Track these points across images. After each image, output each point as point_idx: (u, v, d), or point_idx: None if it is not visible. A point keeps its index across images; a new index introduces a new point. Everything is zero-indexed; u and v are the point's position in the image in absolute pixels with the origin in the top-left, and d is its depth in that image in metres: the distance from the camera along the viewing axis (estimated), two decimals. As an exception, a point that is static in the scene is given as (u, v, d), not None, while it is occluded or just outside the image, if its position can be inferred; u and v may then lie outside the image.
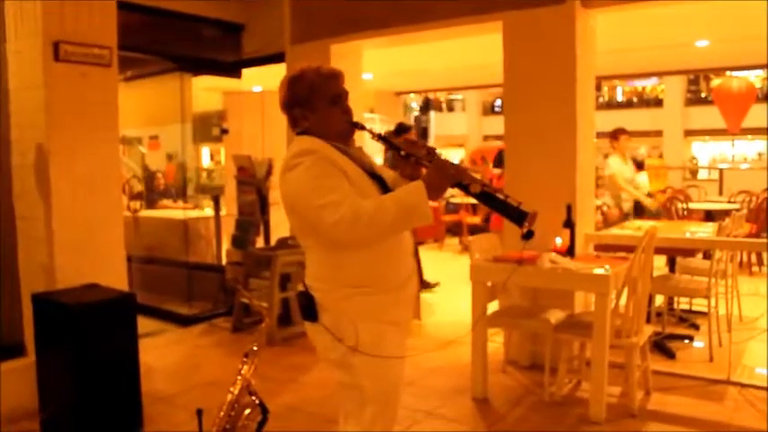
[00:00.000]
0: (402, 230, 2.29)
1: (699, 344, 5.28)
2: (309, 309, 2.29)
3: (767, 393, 4.16)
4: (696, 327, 5.63)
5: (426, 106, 24.82)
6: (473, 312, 4.31)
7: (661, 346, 5.03)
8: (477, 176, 2.27)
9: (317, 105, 2.33)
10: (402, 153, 2.35)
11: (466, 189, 2.20)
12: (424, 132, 14.04)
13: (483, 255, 4.48)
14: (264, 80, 8.03)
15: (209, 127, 8.98)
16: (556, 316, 4.31)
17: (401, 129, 7.24)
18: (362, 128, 2.43)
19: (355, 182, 2.23)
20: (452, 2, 5.08)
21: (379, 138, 2.40)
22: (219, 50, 6.99)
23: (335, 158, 2.23)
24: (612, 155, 7.36)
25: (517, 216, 2.16)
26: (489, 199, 2.21)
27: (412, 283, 2.40)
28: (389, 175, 2.45)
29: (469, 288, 4.28)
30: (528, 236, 2.15)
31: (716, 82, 12.96)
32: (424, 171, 2.33)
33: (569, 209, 4.34)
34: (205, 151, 11.82)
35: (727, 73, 11.86)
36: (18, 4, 4.20)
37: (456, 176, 2.19)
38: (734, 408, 4.05)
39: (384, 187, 2.33)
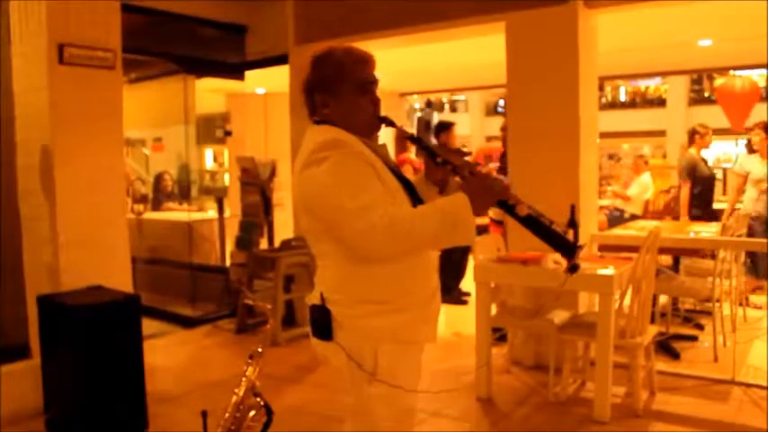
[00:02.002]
0: (440, 247, 2.06)
1: (703, 344, 5.28)
2: (324, 326, 2.02)
3: (772, 393, 4.16)
4: (700, 327, 5.63)
5: (429, 107, 24.83)
6: (477, 313, 4.31)
7: (665, 347, 5.02)
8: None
9: (342, 91, 2.05)
10: (438, 159, 2.10)
11: (510, 210, 1.98)
12: (427, 126, 14.05)
13: (487, 255, 4.48)
14: (268, 82, 8.04)
15: (212, 129, 8.99)
16: (560, 316, 4.32)
17: (442, 126, 7.20)
18: (392, 124, 2.14)
19: (386, 184, 1.99)
20: (456, 3, 5.09)
21: (412, 139, 2.18)
22: (223, 52, 6.99)
23: (366, 155, 1.98)
24: (755, 153, 6.78)
25: (565, 247, 1.97)
26: (535, 224, 1.99)
27: (436, 301, 2.18)
28: (412, 178, 2.21)
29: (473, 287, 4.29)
30: (574, 269, 1.99)
31: (719, 81, 12.91)
32: (453, 179, 2.14)
33: (573, 209, 4.33)
34: (208, 153, 11.83)
35: (731, 72, 11.83)
36: (23, 5, 4.22)
37: (501, 193, 1.98)
38: (738, 408, 4.05)
39: (412, 192, 2.10)
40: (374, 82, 2.10)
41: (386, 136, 2.18)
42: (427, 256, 2.12)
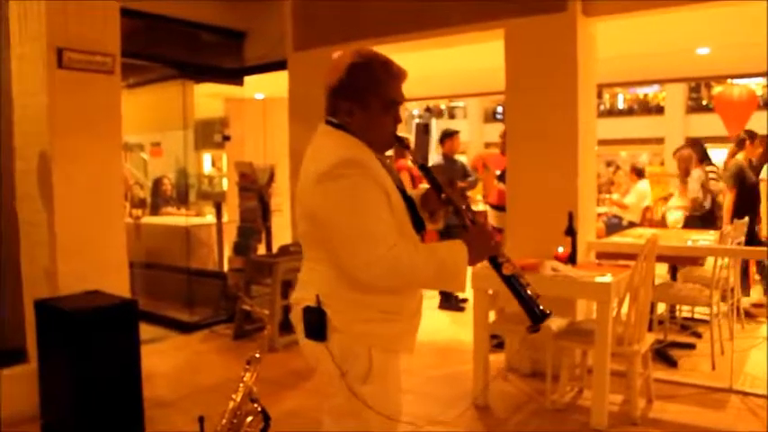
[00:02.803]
0: (429, 289, 2.15)
1: (701, 352, 5.27)
2: (319, 327, 2.05)
3: (769, 401, 4.16)
4: (698, 335, 5.62)
5: (428, 112, 24.91)
6: (474, 319, 4.31)
7: (663, 354, 5.02)
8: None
9: (369, 106, 2.06)
10: (443, 196, 2.15)
11: (498, 267, 2.07)
12: (425, 130, 14.25)
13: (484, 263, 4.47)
14: (266, 87, 8.05)
15: (211, 134, 9.00)
16: (557, 323, 4.31)
17: (446, 134, 7.26)
18: (407, 147, 2.22)
19: (395, 207, 2.03)
20: (454, 10, 5.10)
21: (422, 168, 2.20)
22: (221, 57, 7.01)
23: (381, 176, 2.01)
24: None
25: (536, 314, 2.07)
26: (514, 286, 2.08)
27: (419, 314, 2.25)
28: (411, 192, 2.24)
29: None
30: (535, 330, 2.11)
31: (717, 89, 12.97)
32: (439, 210, 2.25)
33: (571, 216, 4.35)
34: (206, 158, 11.84)
35: (729, 80, 11.88)
36: (22, 9, 4.22)
37: (495, 249, 2.07)
38: (736, 416, 4.04)
39: (414, 210, 2.14)
40: (402, 101, 2.12)
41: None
42: None
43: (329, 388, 2.13)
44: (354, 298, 2.04)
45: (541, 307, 2.07)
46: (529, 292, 2.07)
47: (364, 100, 2.05)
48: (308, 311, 2.08)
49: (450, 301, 7.06)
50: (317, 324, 2.05)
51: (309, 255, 2.15)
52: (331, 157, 1.97)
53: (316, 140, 2.10)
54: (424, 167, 2.21)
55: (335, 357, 2.04)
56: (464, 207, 2.14)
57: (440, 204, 2.20)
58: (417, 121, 19.93)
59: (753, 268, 7.22)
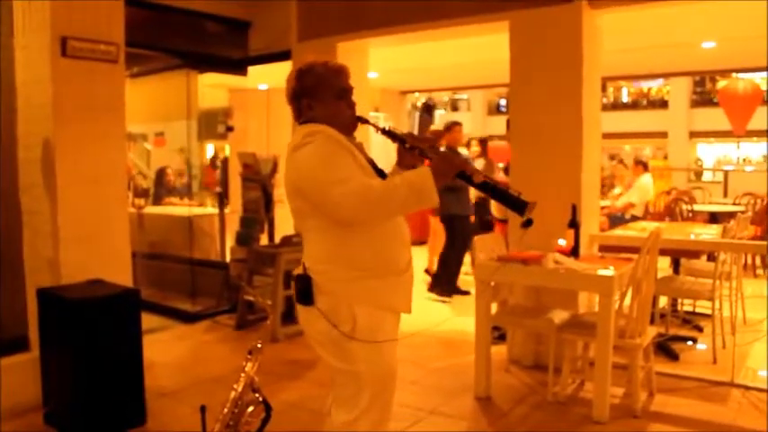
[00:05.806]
0: (408, 212, 2.34)
1: (702, 346, 5.27)
2: (306, 292, 2.31)
3: (771, 396, 4.16)
4: (700, 329, 5.62)
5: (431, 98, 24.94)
6: (477, 311, 4.31)
7: (665, 348, 5.02)
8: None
9: (323, 98, 2.40)
10: (407, 145, 2.42)
11: (469, 180, 2.29)
12: (428, 109, 14.62)
13: (487, 254, 4.48)
14: (270, 78, 8.03)
15: (214, 124, 8.98)
16: (560, 316, 4.32)
17: (449, 125, 7.41)
18: (366, 121, 2.51)
19: (363, 168, 2.32)
20: (459, 1, 5.08)
21: (383, 131, 2.46)
22: (226, 47, 6.99)
23: (343, 141, 2.32)
24: None
25: (518, 205, 2.28)
26: (491, 189, 2.33)
27: (410, 273, 2.45)
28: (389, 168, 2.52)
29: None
30: (527, 224, 2.29)
31: (722, 83, 12.91)
32: (425, 163, 2.43)
33: (574, 209, 4.34)
34: (210, 148, 11.81)
35: (733, 75, 11.83)
36: (26, 2, 4.21)
37: (460, 166, 2.29)
38: (737, 410, 4.04)
39: (384, 177, 2.40)
40: (349, 89, 2.46)
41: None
42: (401, 232, 2.41)
43: (323, 352, 2.37)
44: (338, 259, 2.30)
45: (523, 198, 2.29)
46: (508, 190, 2.32)
47: (316, 94, 2.41)
48: (297, 278, 2.36)
49: (440, 284, 7.06)
50: (304, 289, 2.32)
51: (302, 227, 2.42)
52: (295, 137, 2.35)
53: (291, 138, 2.42)
54: (385, 131, 2.46)
55: (323, 318, 2.28)
56: (427, 146, 2.40)
57: (409, 156, 2.45)
58: (422, 101, 20.08)
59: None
